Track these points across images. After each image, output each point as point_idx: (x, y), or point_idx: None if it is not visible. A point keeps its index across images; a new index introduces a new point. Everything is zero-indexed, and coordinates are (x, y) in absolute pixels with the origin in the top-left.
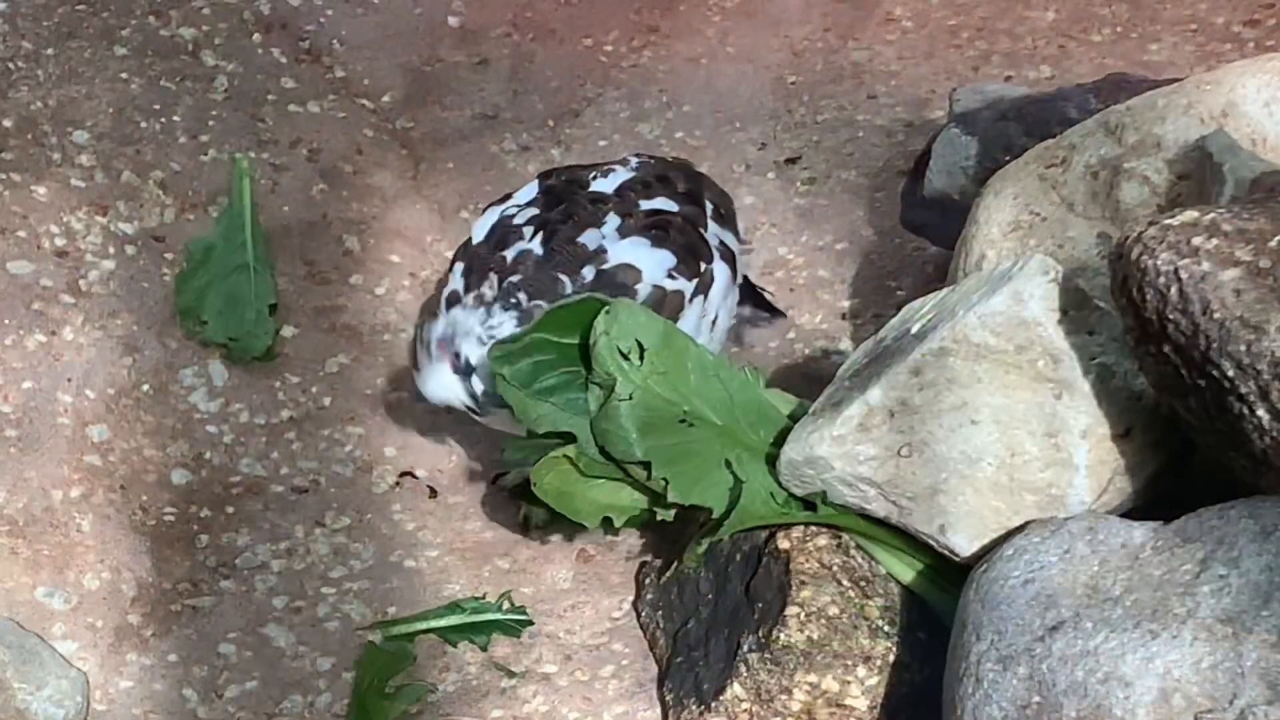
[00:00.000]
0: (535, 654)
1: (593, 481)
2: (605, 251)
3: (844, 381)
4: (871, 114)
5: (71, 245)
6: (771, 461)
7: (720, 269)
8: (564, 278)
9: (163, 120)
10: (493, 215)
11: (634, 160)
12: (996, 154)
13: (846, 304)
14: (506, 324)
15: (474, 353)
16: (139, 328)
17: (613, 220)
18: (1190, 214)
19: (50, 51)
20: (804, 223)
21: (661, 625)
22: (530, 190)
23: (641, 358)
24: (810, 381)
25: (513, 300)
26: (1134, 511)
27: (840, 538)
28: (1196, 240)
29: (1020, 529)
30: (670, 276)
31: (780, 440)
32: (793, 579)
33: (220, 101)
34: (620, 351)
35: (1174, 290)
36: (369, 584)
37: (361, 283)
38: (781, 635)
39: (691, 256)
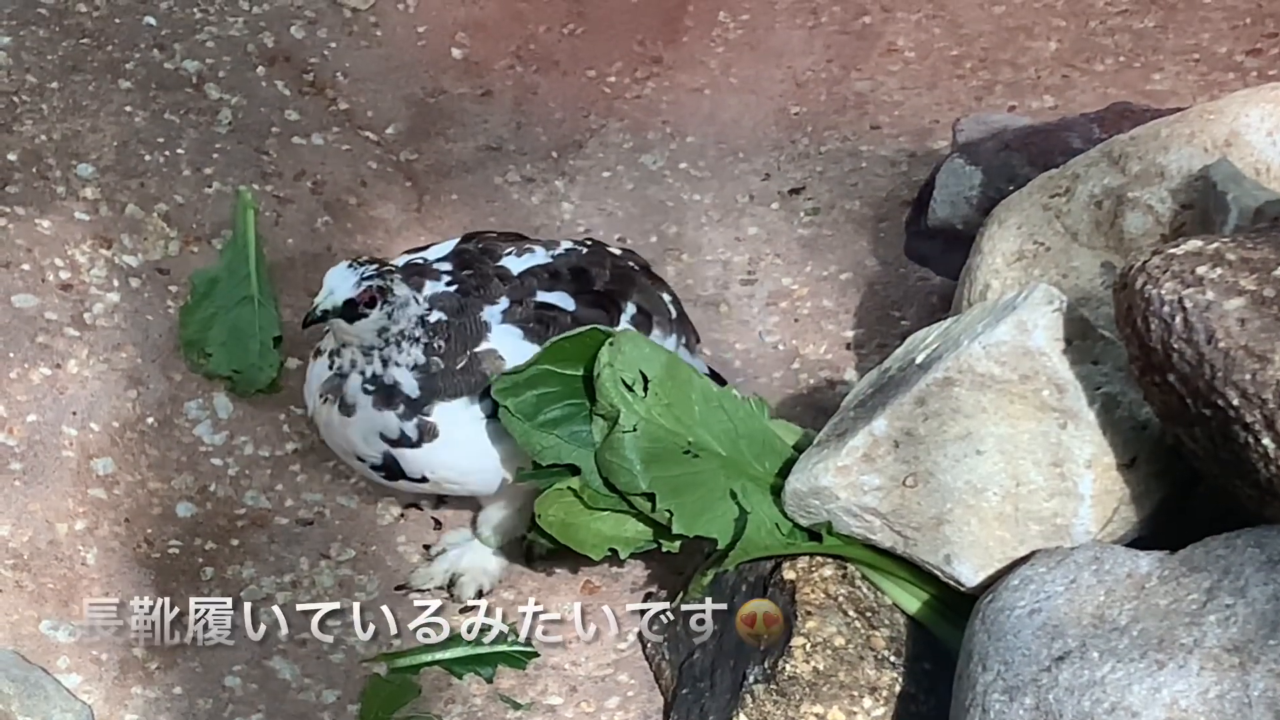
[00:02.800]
0: (541, 685)
1: (597, 513)
2: (488, 330)
3: (849, 412)
4: (875, 144)
5: (76, 278)
6: (776, 492)
7: None
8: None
9: (167, 153)
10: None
11: (564, 245)
12: (1000, 184)
13: (851, 334)
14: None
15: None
16: (143, 360)
17: (503, 302)
18: (1194, 243)
19: (55, 85)
20: (808, 253)
21: (667, 657)
22: (446, 248)
23: (646, 389)
24: (815, 412)
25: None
26: (1139, 541)
27: (846, 568)
28: (1201, 269)
29: (1026, 559)
30: None
31: (785, 471)
32: (798, 609)
33: (224, 134)
34: (624, 383)
35: (1178, 319)
36: (374, 614)
37: None
38: (787, 666)
39: None
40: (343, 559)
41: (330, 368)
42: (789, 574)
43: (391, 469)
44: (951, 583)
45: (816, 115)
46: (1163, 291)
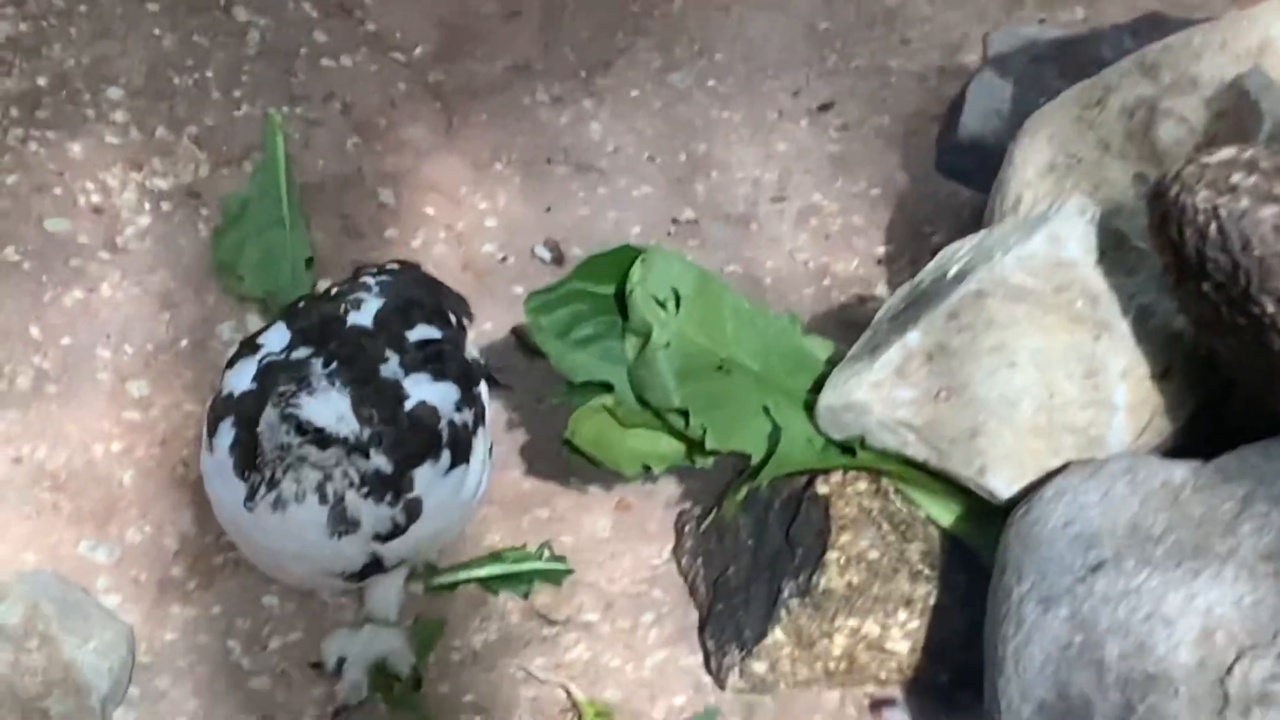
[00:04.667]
0: (576, 602)
1: (631, 430)
2: (401, 387)
3: (881, 326)
4: (905, 59)
5: (107, 202)
6: (809, 407)
7: (483, 388)
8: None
9: (196, 76)
10: (249, 364)
11: (371, 283)
12: (1031, 97)
13: (881, 250)
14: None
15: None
16: (176, 283)
17: (393, 356)
18: (1228, 151)
19: (83, 9)
20: (838, 170)
21: (702, 572)
22: (280, 334)
23: (678, 305)
24: (846, 328)
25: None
26: (1174, 451)
27: (879, 482)
28: (1235, 178)
29: (1060, 470)
30: (457, 409)
31: (818, 386)
32: (832, 524)
33: (253, 56)
34: (656, 300)
35: (1212, 228)
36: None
37: (397, 236)
38: (822, 580)
39: (467, 383)
40: None
41: (324, 500)
42: (822, 489)
43: (370, 568)
44: (985, 495)
45: (845, 31)
46: (1197, 200)
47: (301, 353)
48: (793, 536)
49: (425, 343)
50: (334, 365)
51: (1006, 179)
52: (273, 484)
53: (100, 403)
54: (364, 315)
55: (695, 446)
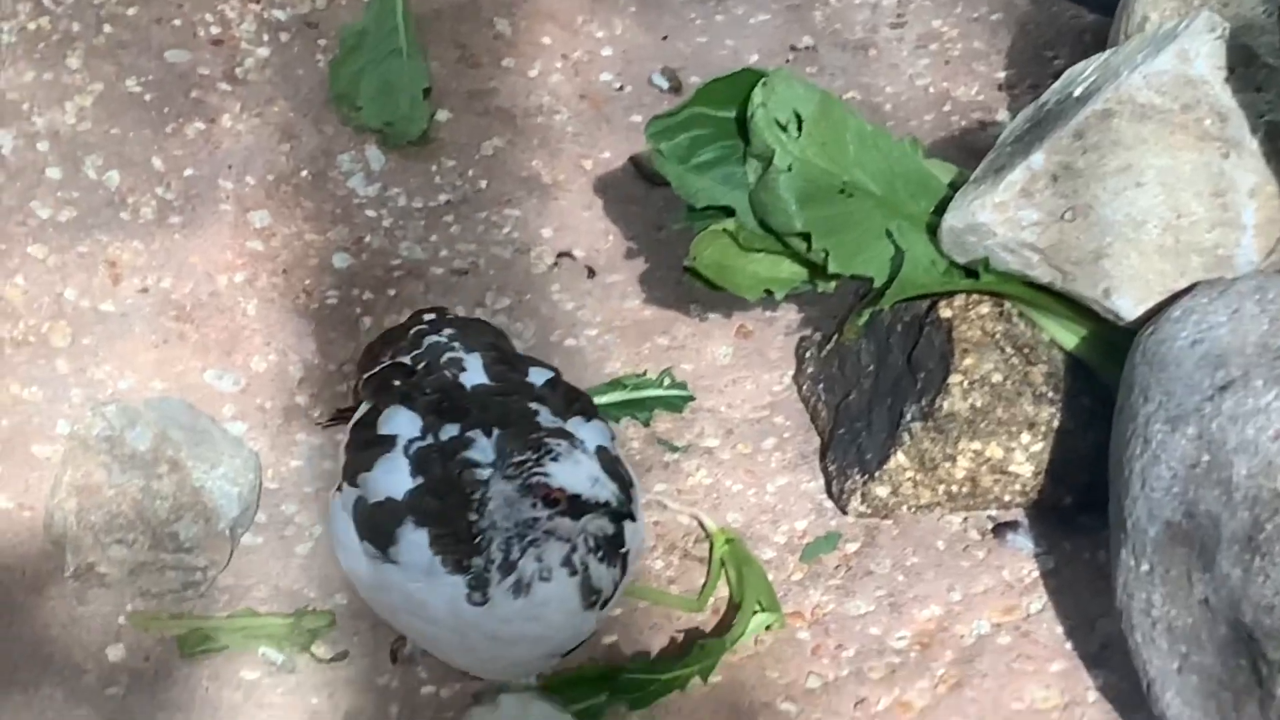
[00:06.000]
0: (697, 429)
1: (752, 255)
2: (577, 438)
3: (1005, 147)
4: None
5: (226, 33)
6: (932, 230)
7: None
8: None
9: None
10: (394, 459)
11: (447, 341)
12: None
13: (1002, 75)
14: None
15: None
16: (295, 114)
17: (539, 407)
18: None
19: None
20: None
21: (823, 398)
22: (407, 418)
23: (800, 129)
24: (966, 154)
25: None
26: None
27: (1003, 305)
28: None
29: (1187, 291)
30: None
31: (941, 209)
32: (955, 347)
33: None
34: (778, 123)
35: None
36: None
37: (514, 65)
38: (945, 403)
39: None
40: (498, 308)
41: (574, 573)
42: (945, 312)
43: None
44: (1111, 317)
45: None
46: None
47: (452, 430)
48: (915, 360)
49: (551, 383)
50: (499, 432)
51: None
52: (509, 568)
53: (223, 233)
54: (476, 374)
55: (817, 271)
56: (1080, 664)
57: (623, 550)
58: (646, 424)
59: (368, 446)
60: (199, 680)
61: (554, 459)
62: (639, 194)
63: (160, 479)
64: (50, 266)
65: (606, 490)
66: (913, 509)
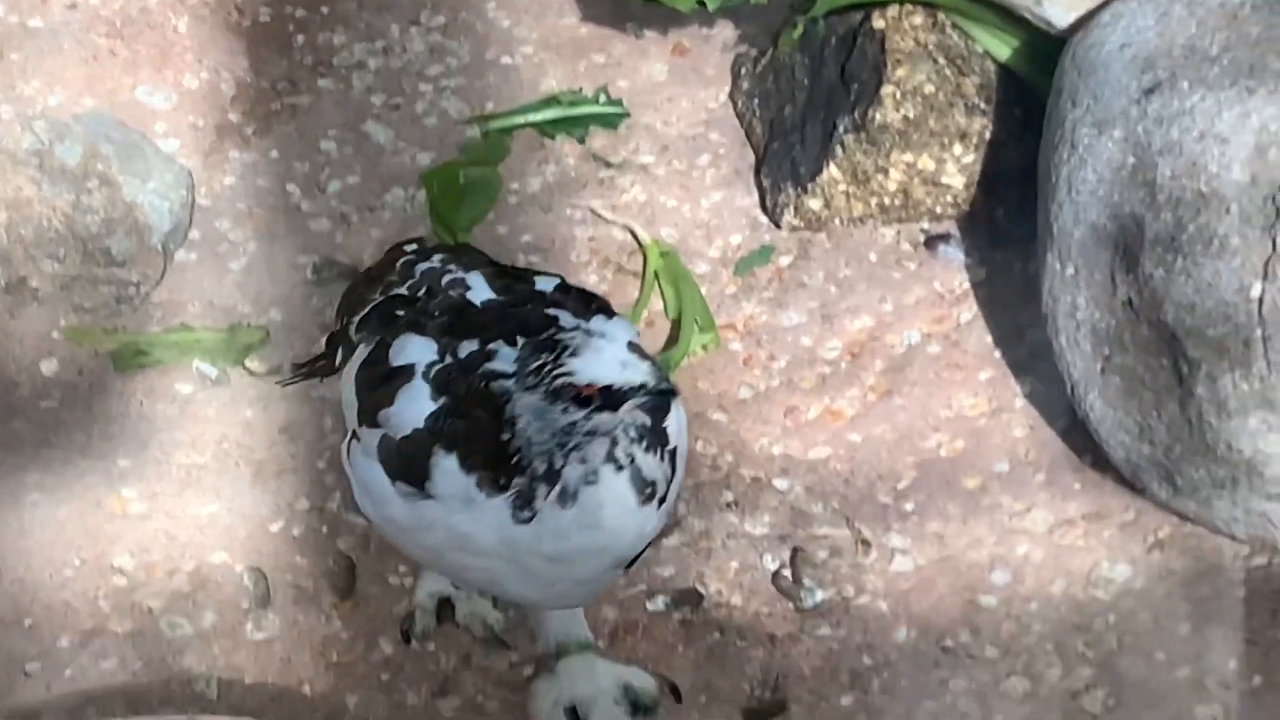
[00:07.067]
0: (632, 145)
1: None
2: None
3: None
4: None
5: None
6: None
7: None
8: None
9: None
10: (415, 388)
11: (444, 264)
12: None
13: None
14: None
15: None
16: None
17: (558, 312)
18: None
19: None
20: None
21: (758, 113)
22: (421, 345)
23: None
24: None
25: None
26: None
27: (936, 16)
28: None
29: None
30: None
31: None
32: (888, 58)
33: None
34: None
35: None
36: (465, 81)
37: None
38: (877, 115)
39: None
40: (433, 25)
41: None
42: (878, 23)
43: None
44: (1043, 25)
45: None
46: None
47: (471, 346)
48: (848, 73)
49: (562, 288)
50: (524, 341)
51: None
52: (553, 478)
53: None
54: (483, 291)
55: None
56: (1008, 372)
57: (668, 446)
58: (582, 141)
59: (384, 381)
60: (133, 394)
61: (572, 354)
62: None
63: (91, 194)
64: None
65: (639, 371)
66: (845, 222)
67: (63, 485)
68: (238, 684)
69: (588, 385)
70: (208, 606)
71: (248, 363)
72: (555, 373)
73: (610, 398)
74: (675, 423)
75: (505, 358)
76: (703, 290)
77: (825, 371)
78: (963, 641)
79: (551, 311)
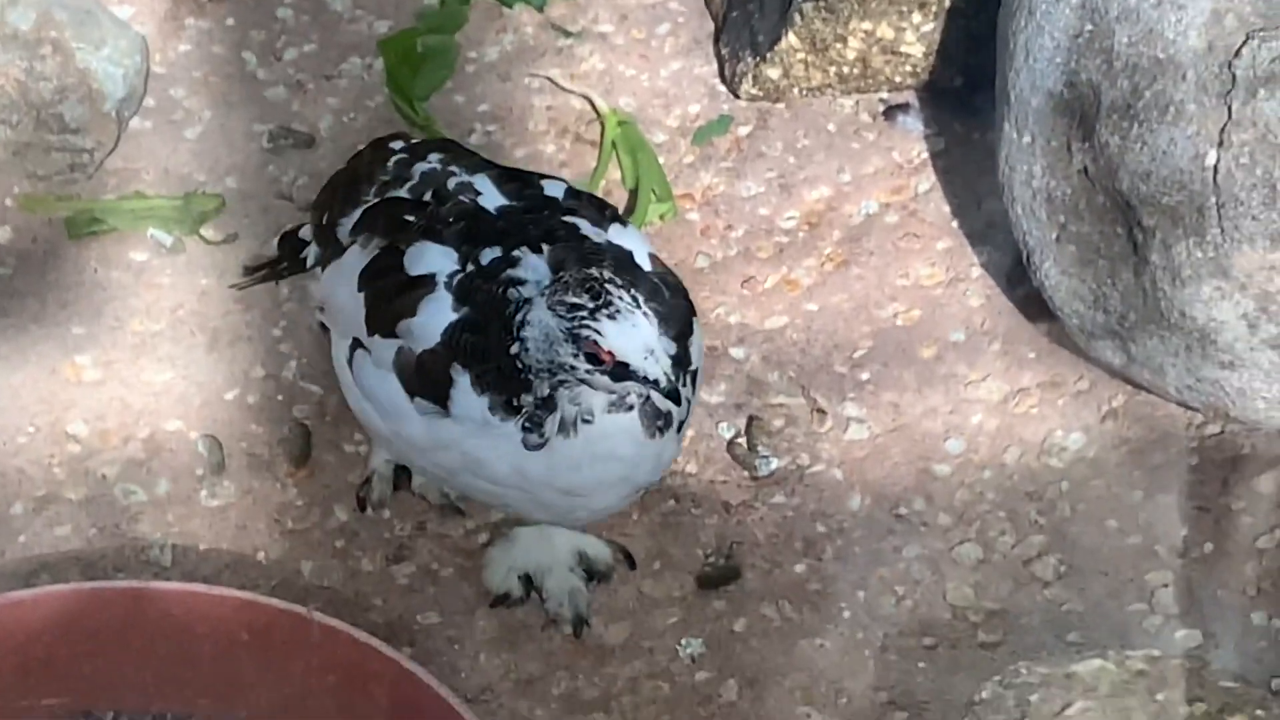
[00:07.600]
0: (591, 14)
1: None
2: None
3: None
4: None
5: None
6: None
7: None
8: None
9: None
10: (438, 299)
11: (441, 166)
12: None
13: None
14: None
15: None
16: None
17: (576, 220)
18: None
19: None
20: None
21: None
22: (440, 252)
23: None
24: None
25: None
26: None
27: None
28: None
29: None
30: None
31: None
32: None
33: None
34: None
35: None
36: None
37: None
38: None
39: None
40: None
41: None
42: None
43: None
44: None
45: None
46: None
47: (494, 253)
48: None
49: (572, 193)
50: (549, 249)
51: None
52: (550, 404)
53: None
54: (494, 196)
55: None
56: (965, 242)
57: (691, 369)
58: (540, 9)
59: (402, 290)
60: (87, 261)
61: (611, 317)
62: None
63: (43, 60)
64: None
65: (658, 368)
66: (804, 92)
67: (17, 352)
68: (192, 551)
69: (608, 353)
70: (162, 474)
71: (203, 230)
72: (587, 322)
73: (620, 372)
74: (696, 344)
75: (528, 265)
76: (661, 160)
77: (783, 241)
78: (916, 509)
79: (569, 219)
